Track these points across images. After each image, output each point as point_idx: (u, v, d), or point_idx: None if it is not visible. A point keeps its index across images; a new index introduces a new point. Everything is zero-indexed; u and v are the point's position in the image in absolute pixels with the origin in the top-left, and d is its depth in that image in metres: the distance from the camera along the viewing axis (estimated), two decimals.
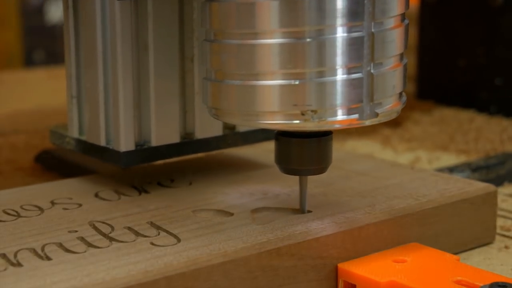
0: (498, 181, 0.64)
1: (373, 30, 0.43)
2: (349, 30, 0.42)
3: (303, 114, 0.43)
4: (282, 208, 0.49)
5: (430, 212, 0.50)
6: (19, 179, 0.66)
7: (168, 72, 0.52)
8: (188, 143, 0.54)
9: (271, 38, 0.42)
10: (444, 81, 0.91)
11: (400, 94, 0.46)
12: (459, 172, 0.66)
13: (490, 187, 0.54)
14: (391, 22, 0.44)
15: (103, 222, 0.47)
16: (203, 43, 0.46)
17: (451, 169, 0.67)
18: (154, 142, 0.53)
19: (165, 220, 0.47)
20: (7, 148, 0.75)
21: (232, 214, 0.48)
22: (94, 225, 0.47)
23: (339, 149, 0.68)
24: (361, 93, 0.43)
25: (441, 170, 0.66)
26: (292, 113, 0.43)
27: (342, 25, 0.42)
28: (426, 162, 0.71)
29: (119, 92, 0.51)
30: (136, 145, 0.53)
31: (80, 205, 0.50)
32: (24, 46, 1.19)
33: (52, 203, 0.50)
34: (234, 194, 0.51)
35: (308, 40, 0.42)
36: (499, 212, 0.58)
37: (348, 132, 0.81)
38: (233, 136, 0.56)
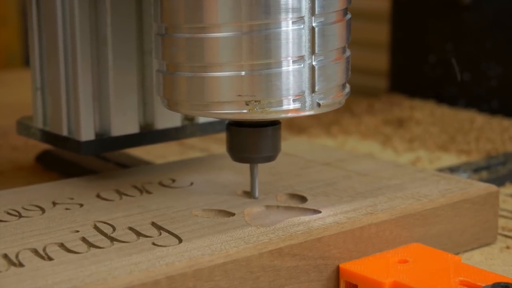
0: (500, 182, 0.64)
1: (313, 24, 0.46)
2: (291, 25, 0.45)
3: (247, 104, 0.45)
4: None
5: (432, 212, 0.50)
6: (20, 179, 0.66)
7: (126, 66, 0.55)
8: (147, 133, 0.57)
9: (218, 32, 0.45)
10: (415, 76, 0.94)
11: (343, 85, 0.49)
12: (460, 172, 0.66)
13: (491, 187, 0.53)
14: (332, 17, 0.47)
15: (105, 222, 0.47)
16: (155, 37, 0.48)
17: (452, 169, 0.67)
18: (114, 133, 0.55)
19: (167, 220, 0.47)
20: (7, 148, 0.75)
21: (233, 214, 0.48)
22: (95, 225, 0.46)
23: (340, 149, 0.68)
24: (303, 84, 0.46)
25: (442, 170, 0.66)
26: (237, 103, 0.45)
27: (284, 20, 0.45)
28: (427, 162, 0.71)
29: (79, 85, 0.54)
30: (96, 135, 0.55)
31: (82, 205, 0.50)
32: (24, 45, 1.19)
33: (54, 203, 0.50)
34: (236, 194, 0.51)
35: (252, 34, 0.45)
36: (500, 213, 0.58)
37: (349, 132, 0.81)
38: (191, 127, 0.59)
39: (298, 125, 0.83)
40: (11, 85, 1.07)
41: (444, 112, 0.87)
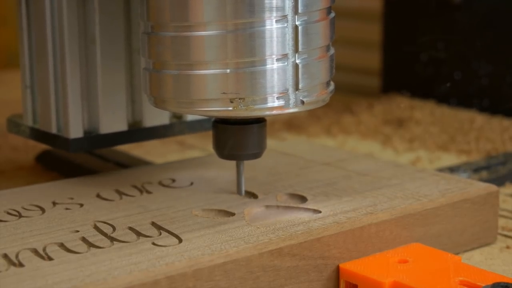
0: (500, 181, 0.64)
1: (296, 23, 0.46)
2: (274, 23, 0.46)
3: (231, 102, 0.46)
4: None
5: (432, 212, 0.50)
6: (20, 179, 0.66)
7: (115, 64, 0.55)
8: (135, 131, 0.57)
9: (203, 31, 0.45)
10: (407, 75, 0.94)
11: (328, 83, 0.49)
12: (460, 172, 0.66)
13: (491, 187, 0.53)
14: (316, 15, 0.47)
15: (105, 222, 0.47)
16: (142, 36, 0.48)
17: (452, 169, 0.67)
18: (102, 130, 0.56)
19: (167, 220, 0.47)
20: (7, 148, 0.75)
21: (233, 214, 0.48)
22: (95, 225, 0.46)
23: (340, 149, 0.68)
24: (287, 82, 0.46)
25: (442, 170, 0.66)
26: (222, 101, 0.46)
27: (268, 19, 0.45)
28: (427, 162, 0.71)
29: (68, 83, 0.54)
30: (85, 133, 0.56)
31: (82, 205, 0.50)
32: None
33: (54, 203, 0.50)
34: (235, 194, 0.51)
35: (236, 32, 0.45)
36: (500, 213, 0.58)
37: (349, 132, 0.81)
38: (179, 125, 0.59)
39: (297, 125, 0.83)
40: (10, 85, 1.07)
41: (444, 112, 0.87)
